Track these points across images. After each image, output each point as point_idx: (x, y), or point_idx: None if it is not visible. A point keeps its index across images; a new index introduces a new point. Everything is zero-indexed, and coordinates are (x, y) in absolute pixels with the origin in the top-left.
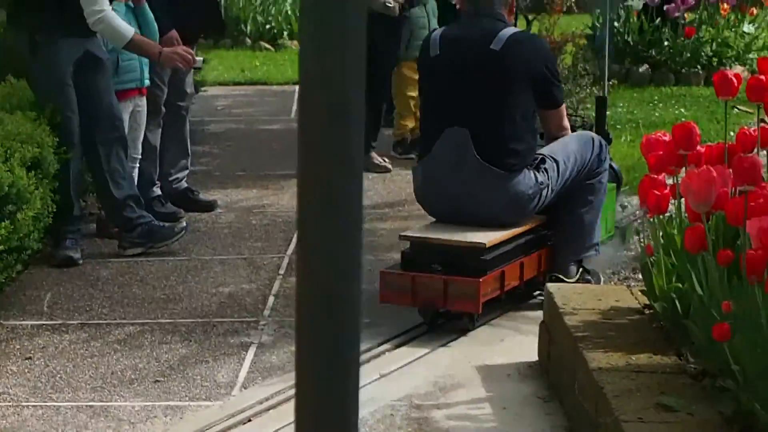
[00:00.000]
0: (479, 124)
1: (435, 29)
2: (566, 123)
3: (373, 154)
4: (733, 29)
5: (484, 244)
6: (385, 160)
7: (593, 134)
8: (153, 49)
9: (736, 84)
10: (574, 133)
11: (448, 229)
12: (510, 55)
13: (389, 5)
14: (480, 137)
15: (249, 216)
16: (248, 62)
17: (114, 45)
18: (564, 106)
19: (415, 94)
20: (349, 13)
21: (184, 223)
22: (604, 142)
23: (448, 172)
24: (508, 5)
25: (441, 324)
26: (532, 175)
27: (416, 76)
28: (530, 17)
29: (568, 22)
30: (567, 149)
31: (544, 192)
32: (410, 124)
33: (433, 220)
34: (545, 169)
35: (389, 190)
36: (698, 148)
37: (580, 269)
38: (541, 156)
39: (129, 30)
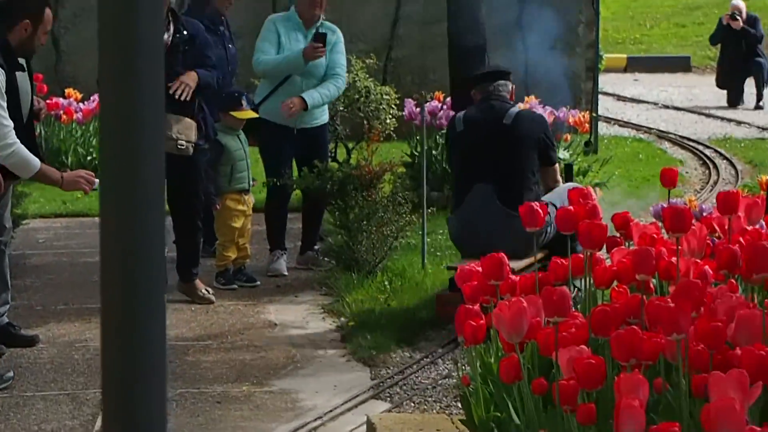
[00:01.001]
0: (499, 180)
1: (456, 113)
2: (558, 177)
3: (197, 283)
4: None
5: (513, 269)
6: (208, 291)
7: (579, 185)
8: (55, 176)
9: (541, 214)
10: (565, 185)
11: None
12: (518, 127)
13: (181, 147)
14: (500, 190)
15: (71, 350)
16: (70, 194)
17: (21, 175)
18: (557, 164)
19: (238, 225)
20: (145, 179)
21: (11, 373)
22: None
23: (478, 218)
24: (510, 92)
25: None
26: None
27: (240, 207)
28: (350, 146)
29: (388, 150)
30: (562, 197)
31: (548, 229)
32: (232, 254)
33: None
34: (549, 213)
35: (212, 321)
36: (512, 277)
37: None
38: (545, 201)
39: (36, 161)
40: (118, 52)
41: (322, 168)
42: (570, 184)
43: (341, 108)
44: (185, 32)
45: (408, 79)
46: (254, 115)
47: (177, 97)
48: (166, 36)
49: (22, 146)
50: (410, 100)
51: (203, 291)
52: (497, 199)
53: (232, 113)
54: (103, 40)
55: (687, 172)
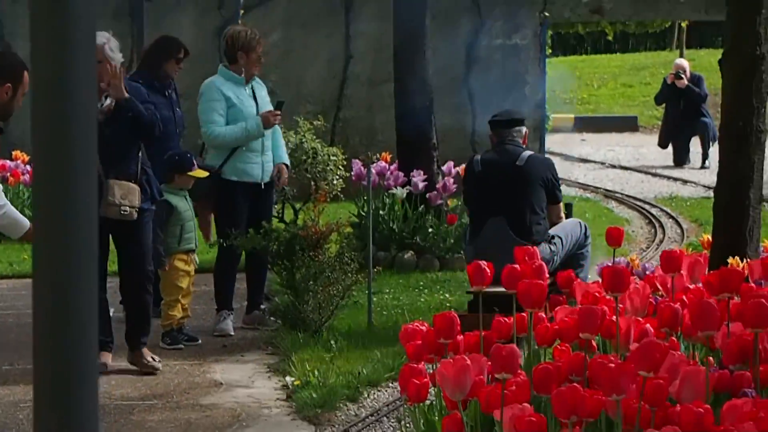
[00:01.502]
0: (512, 214)
1: (474, 155)
2: (562, 214)
3: (144, 351)
4: None
5: None
6: (154, 359)
7: (580, 221)
8: None
9: (488, 273)
10: (568, 220)
11: (497, 286)
12: (530, 168)
13: (124, 212)
14: (513, 223)
15: (16, 410)
16: (16, 255)
17: (11, 236)
18: (561, 203)
19: (184, 285)
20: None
21: None
22: (586, 225)
23: (493, 248)
24: (523, 136)
25: None
26: (547, 247)
27: (187, 267)
28: (297, 206)
29: (336, 210)
30: (566, 230)
31: (555, 258)
32: (178, 314)
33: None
34: (554, 243)
35: (158, 381)
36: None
37: None
38: (551, 234)
39: (26, 221)
40: (51, 115)
41: (268, 228)
42: (572, 220)
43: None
44: (127, 95)
45: (356, 140)
46: (206, 174)
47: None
48: (108, 101)
49: (12, 207)
50: (357, 160)
51: (149, 359)
52: (510, 231)
53: (189, 173)
54: (36, 105)
55: (633, 231)
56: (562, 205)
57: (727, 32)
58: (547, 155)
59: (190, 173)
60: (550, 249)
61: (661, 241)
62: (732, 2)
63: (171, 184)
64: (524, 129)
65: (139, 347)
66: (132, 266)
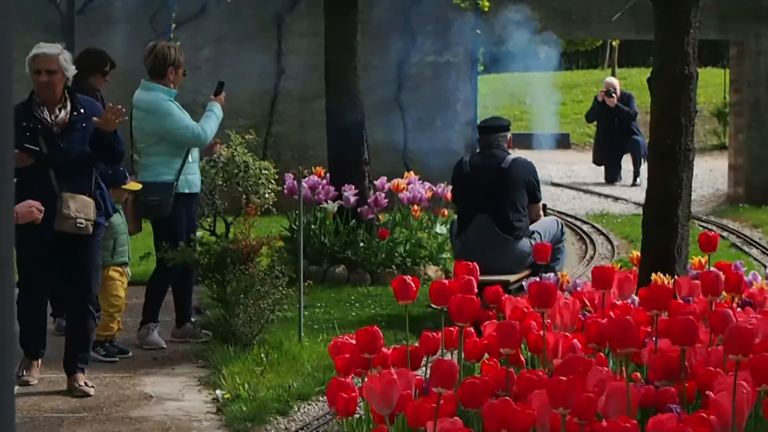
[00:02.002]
0: (497, 212)
1: (462, 157)
2: (541, 213)
3: (79, 375)
4: (425, 230)
5: (509, 280)
6: (87, 384)
7: (557, 218)
8: None
9: (414, 288)
10: (546, 218)
11: (484, 275)
12: (513, 171)
13: (80, 225)
14: (498, 220)
15: None
16: None
17: None
18: (540, 203)
19: (122, 295)
20: None
21: None
22: (562, 223)
23: (479, 242)
24: (507, 141)
25: None
26: (528, 242)
27: (122, 279)
28: (229, 220)
29: (268, 224)
30: (544, 226)
31: (530, 253)
32: (116, 326)
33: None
34: (534, 238)
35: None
36: (384, 350)
37: None
38: (532, 230)
39: None
40: None
41: (199, 241)
42: (550, 218)
43: (220, 182)
44: (82, 110)
45: (288, 155)
46: (139, 186)
47: (54, 167)
48: (63, 114)
49: None
50: (290, 174)
51: (82, 383)
52: (495, 227)
53: (124, 186)
54: None
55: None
56: (540, 204)
57: (655, 52)
58: None
59: (123, 186)
60: (531, 243)
61: (592, 258)
62: (660, 22)
63: None
64: (509, 135)
65: (76, 371)
66: (79, 286)
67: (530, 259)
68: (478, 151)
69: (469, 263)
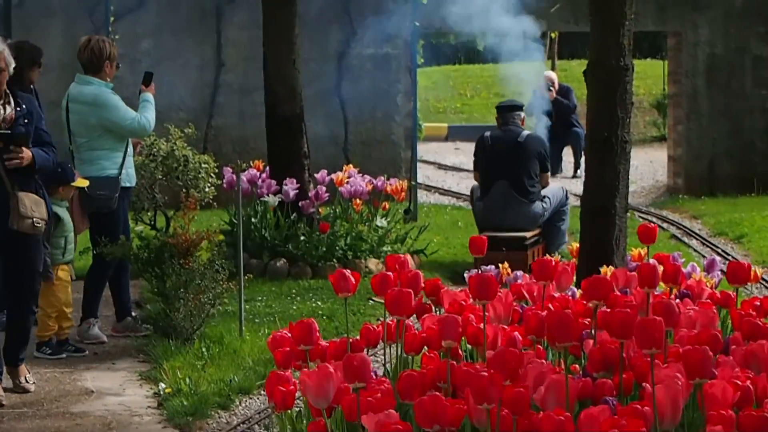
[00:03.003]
0: (514, 179)
1: (484, 132)
2: (549, 180)
3: (21, 368)
4: (366, 223)
5: (526, 236)
6: (28, 380)
7: (562, 185)
8: None
9: (353, 282)
10: (553, 184)
11: (504, 232)
12: (528, 144)
13: (38, 225)
14: (515, 186)
15: None
16: None
17: None
18: (549, 171)
19: (65, 295)
20: None
21: None
22: (566, 189)
23: (499, 204)
24: (521, 119)
25: None
26: (540, 204)
27: (68, 279)
28: (169, 214)
29: (209, 218)
30: (552, 192)
31: (545, 213)
32: (55, 325)
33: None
34: (545, 201)
35: None
36: (322, 343)
37: None
38: (543, 195)
39: None
40: None
41: (137, 235)
42: (557, 185)
43: (160, 176)
44: (24, 106)
45: (228, 148)
46: (87, 183)
47: (4, 165)
48: (9, 110)
49: None
50: (228, 168)
51: (23, 379)
52: (513, 192)
53: (73, 183)
54: None
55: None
56: (548, 173)
57: (591, 44)
58: (419, 163)
59: (72, 183)
60: (542, 206)
61: None
62: (595, 14)
63: (55, 195)
64: (522, 114)
65: (17, 364)
66: (22, 285)
67: (541, 219)
68: (497, 127)
69: (400, 256)
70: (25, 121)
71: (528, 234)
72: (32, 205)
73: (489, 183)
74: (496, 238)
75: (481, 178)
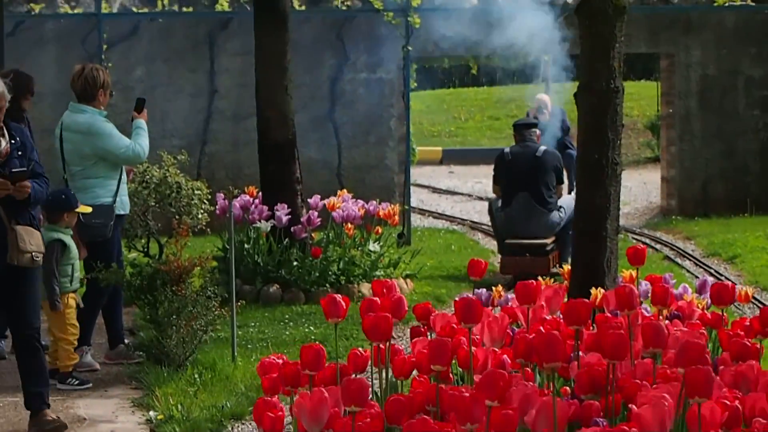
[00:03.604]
0: (534, 190)
1: (503, 148)
2: (563, 191)
3: (47, 411)
4: (359, 248)
5: (547, 243)
6: (58, 417)
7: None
8: None
9: (344, 306)
10: (566, 195)
11: (525, 239)
12: (545, 158)
13: (36, 259)
14: (535, 197)
15: None
16: None
17: None
18: (563, 183)
19: (76, 322)
20: None
21: None
22: None
23: (521, 214)
24: (537, 135)
25: None
26: (557, 214)
27: (74, 306)
28: (162, 241)
29: (202, 244)
30: (566, 202)
31: (561, 223)
32: (76, 355)
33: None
34: (561, 211)
35: (20, 417)
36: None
37: None
38: (559, 205)
39: None
40: None
41: (131, 262)
42: (570, 196)
43: (152, 203)
44: (18, 138)
45: (222, 174)
46: (90, 209)
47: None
48: (4, 144)
49: None
50: (221, 194)
51: (53, 417)
52: (534, 202)
53: (77, 210)
54: None
55: (499, 263)
56: (562, 185)
57: (581, 66)
58: (413, 187)
59: (76, 210)
60: (559, 215)
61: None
62: (585, 36)
63: (60, 223)
64: (537, 131)
65: (43, 408)
66: (26, 320)
67: (557, 227)
68: (514, 144)
69: (387, 281)
70: (19, 153)
71: (548, 241)
72: (30, 239)
73: (510, 195)
74: (522, 245)
75: (502, 190)
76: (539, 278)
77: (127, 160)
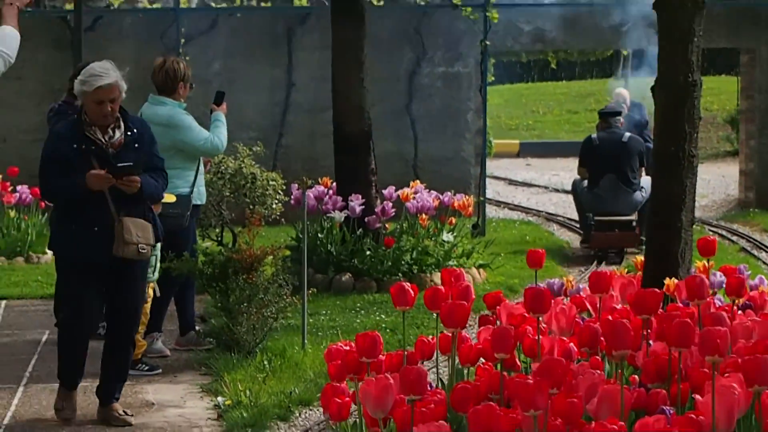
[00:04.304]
0: (620, 173)
1: (590, 135)
2: (644, 173)
3: (116, 405)
4: (432, 238)
5: (633, 219)
6: (126, 413)
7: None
8: None
9: (412, 295)
10: (645, 177)
11: (613, 216)
12: (631, 144)
13: (143, 251)
14: (621, 178)
15: None
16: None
17: None
18: (645, 166)
19: (148, 311)
20: None
21: None
22: None
23: (609, 194)
24: (620, 122)
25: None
26: (639, 194)
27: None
28: (236, 230)
29: (276, 234)
30: (646, 183)
31: (643, 201)
32: (144, 342)
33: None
34: (643, 190)
35: (89, 401)
36: (380, 357)
37: None
38: (641, 185)
39: None
40: None
41: (203, 251)
42: (648, 177)
43: (227, 193)
44: (135, 130)
45: (298, 166)
46: (174, 198)
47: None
48: (118, 134)
49: None
50: (295, 185)
51: (121, 413)
52: (620, 183)
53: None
54: None
55: (573, 253)
56: (644, 168)
57: (659, 60)
58: (490, 179)
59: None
60: (641, 195)
61: (600, 263)
62: (663, 30)
63: None
64: (621, 118)
65: (112, 401)
66: (128, 316)
67: (640, 205)
68: (601, 130)
69: (455, 269)
70: (135, 145)
71: (633, 217)
72: (138, 231)
73: (598, 176)
74: (611, 222)
75: (589, 172)
76: (625, 251)
77: (206, 152)
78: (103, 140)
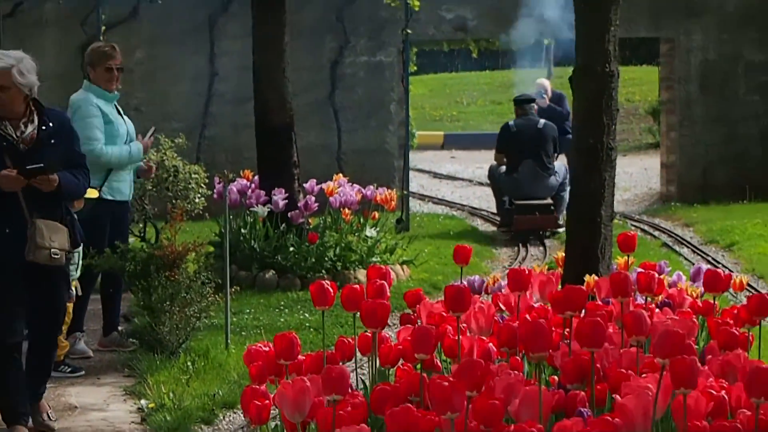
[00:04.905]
0: (537, 158)
1: (507, 121)
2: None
3: (42, 404)
4: (356, 233)
5: (551, 203)
6: (50, 417)
7: (563, 163)
8: None
9: (332, 294)
10: (557, 162)
11: (532, 200)
12: (545, 130)
13: (56, 256)
14: (538, 163)
15: None
16: None
17: None
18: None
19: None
20: None
21: None
22: (566, 165)
23: (528, 179)
24: (535, 109)
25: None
26: (554, 178)
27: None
28: (159, 226)
29: (200, 229)
30: (558, 167)
31: (557, 185)
32: (67, 343)
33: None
34: (557, 176)
35: None
36: (299, 357)
37: None
38: (555, 170)
39: None
40: None
41: (123, 248)
42: (560, 163)
43: (150, 187)
44: (51, 124)
45: (222, 158)
46: (96, 194)
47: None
48: (30, 129)
49: None
50: (217, 178)
51: (45, 416)
52: (538, 168)
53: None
54: None
55: (497, 249)
56: (557, 153)
57: (577, 49)
58: (414, 172)
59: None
60: (556, 179)
61: (524, 259)
62: (581, 20)
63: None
64: (535, 105)
65: (38, 399)
66: (47, 321)
67: (555, 189)
68: (517, 117)
69: (382, 267)
70: (52, 141)
71: (550, 201)
72: (51, 235)
73: (517, 162)
74: (531, 205)
75: (508, 158)
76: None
77: (85, 151)
78: (14, 136)
